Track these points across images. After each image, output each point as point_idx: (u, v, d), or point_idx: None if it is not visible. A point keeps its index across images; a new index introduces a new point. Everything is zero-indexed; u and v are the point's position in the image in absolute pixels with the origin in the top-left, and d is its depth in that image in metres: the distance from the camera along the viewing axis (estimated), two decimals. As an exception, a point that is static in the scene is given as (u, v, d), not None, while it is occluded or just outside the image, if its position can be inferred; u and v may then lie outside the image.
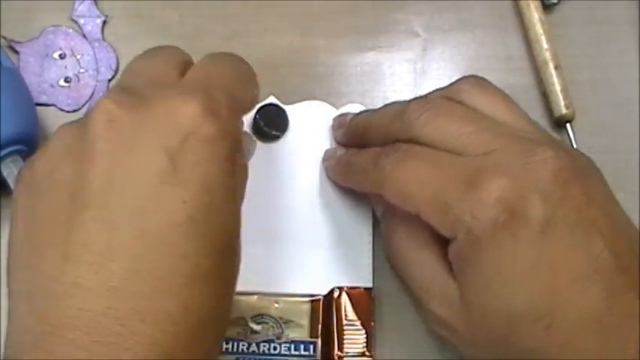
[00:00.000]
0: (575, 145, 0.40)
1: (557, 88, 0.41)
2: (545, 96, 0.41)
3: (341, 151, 0.39)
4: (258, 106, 0.40)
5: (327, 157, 0.39)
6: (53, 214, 0.26)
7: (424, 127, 0.32)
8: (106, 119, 0.26)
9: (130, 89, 0.28)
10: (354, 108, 0.40)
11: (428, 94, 0.35)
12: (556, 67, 0.41)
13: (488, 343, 0.31)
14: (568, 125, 0.41)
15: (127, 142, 0.26)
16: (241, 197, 0.29)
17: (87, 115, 0.27)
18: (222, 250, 0.27)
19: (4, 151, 0.36)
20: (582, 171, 0.31)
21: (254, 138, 0.39)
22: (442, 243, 0.32)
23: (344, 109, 0.40)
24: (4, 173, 0.36)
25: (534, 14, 0.42)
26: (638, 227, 0.31)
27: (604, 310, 0.28)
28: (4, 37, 0.41)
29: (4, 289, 0.37)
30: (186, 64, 0.31)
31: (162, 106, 0.26)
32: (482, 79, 0.34)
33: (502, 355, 0.30)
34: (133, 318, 0.24)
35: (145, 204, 0.25)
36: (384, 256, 0.37)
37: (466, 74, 0.35)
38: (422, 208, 0.31)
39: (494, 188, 0.29)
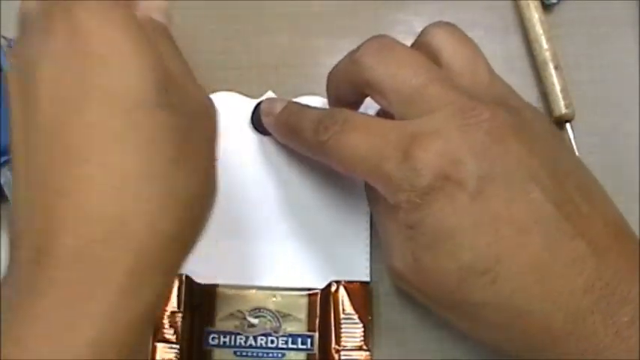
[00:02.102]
0: (575, 145, 0.40)
1: (557, 88, 0.41)
2: (545, 96, 0.41)
3: (281, 105, 0.38)
4: (256, 100, 0.40)
5: (266, 113, 0.39)
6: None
7: (376, 69, 0.33)
8: None
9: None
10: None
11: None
12: (556, 67, 0.41)
13: (438, 297, 0.32)
14: (568, 125, 0.41)
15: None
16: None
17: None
18: (197, 184, 0.29)
19: (3, 159, 0.36)
20: (524, 125, 0.31)
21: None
22: None
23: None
24: (2, 180, 0.37)
25: (534, 14, 0.42)
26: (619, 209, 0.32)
27: (547, 258, 0.29)
28: (4, 37, 0.41)
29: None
30: None
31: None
32: (456, 27, 0.34)
33: (451, 309, 0.32)
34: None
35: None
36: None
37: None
38: (367, 178, 0.33)
39: (428, 155, 0.30)
